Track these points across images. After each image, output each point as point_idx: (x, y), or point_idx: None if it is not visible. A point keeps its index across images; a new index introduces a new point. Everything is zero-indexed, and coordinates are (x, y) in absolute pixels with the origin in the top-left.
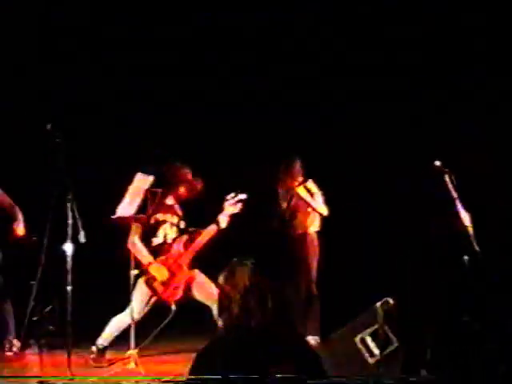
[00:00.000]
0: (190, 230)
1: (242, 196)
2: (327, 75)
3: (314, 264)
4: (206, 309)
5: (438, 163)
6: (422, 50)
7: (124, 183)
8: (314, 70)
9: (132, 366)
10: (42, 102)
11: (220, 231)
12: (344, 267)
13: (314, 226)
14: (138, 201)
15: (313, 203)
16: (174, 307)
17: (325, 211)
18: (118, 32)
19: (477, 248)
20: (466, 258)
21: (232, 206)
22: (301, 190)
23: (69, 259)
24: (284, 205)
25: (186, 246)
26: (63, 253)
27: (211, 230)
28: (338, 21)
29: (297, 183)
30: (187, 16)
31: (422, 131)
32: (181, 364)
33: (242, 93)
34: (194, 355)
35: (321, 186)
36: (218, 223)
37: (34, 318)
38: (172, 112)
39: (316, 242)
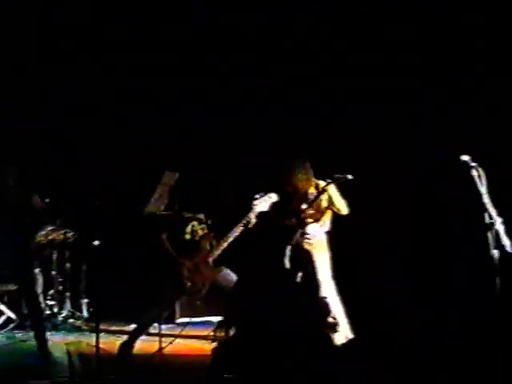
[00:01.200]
0: (218, 228)
1: (271, 195)
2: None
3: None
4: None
5: (465, 158)
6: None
7: (152, 181)
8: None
9: None
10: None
11: (247, 230)
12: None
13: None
14: (165, 197)
15: (338, 202)
16: (199, 303)
17: (346, 210)
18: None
19: (506, 243)
20: (495, 252)
21: (260, 204)
22: (331, 189)
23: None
24: (302, 205)
25: (214, 243)
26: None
27: (238, 228)
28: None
29: (323, 183)
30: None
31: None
32: None
33: (250, 92)
34: None
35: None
36: (245, 222)
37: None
38: (184, 112)
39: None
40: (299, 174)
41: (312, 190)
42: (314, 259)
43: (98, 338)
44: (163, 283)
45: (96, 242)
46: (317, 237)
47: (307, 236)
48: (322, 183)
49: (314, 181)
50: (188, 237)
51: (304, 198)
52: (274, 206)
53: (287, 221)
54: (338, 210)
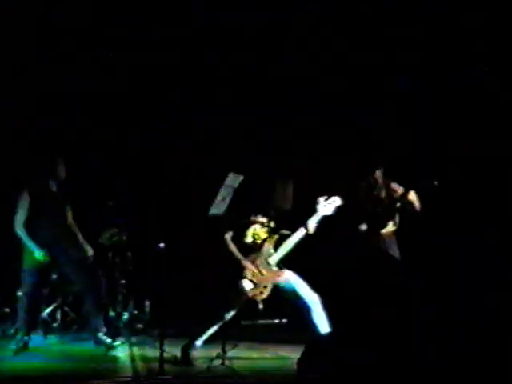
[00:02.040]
0: (281, 231)
1: (335, 199)
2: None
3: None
4: (295, 308)
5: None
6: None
7: (216, 182)
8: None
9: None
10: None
11: (309, 234)
12: None
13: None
14: (229, 200)
15: (417, 206)
16: (261, 306)
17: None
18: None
19: None
20: None
21: (325, 208)
22: (411, 196)
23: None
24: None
25: (276, 246)
26: (157, 251)
27: (300, 233)
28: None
29: (397, 186)
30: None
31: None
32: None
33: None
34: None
35: None
36: (306, 227)
37: (127, 316)
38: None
39: None
40: (371, 182)
41: (384, 194)
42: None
43: (162, 340)
44: (227, 285)
45: (161, 245)
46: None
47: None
48: (395, 186)
49: (386, 184)
50: (250, 240)
51: (376, 202)
52: (338, 210)
53: (360, 225)
54: (414, 213)
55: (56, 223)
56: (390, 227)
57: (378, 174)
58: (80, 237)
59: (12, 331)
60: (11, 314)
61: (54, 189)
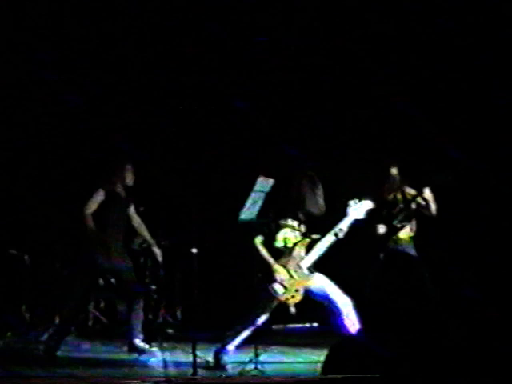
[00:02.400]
0: (312, 235)
1: (366, 202)
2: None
3: None
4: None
5: None
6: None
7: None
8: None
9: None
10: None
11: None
12: None
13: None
14: (259, 204)
15: (433, 205)
16: (293, 310)
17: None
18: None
19: None
20: None
21: (355, 212)
22: (427, 193)
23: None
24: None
25: (307, 250)
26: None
27: (331, 237)
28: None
29: (409, 188)
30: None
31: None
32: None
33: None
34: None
35: None
36: (336, 234)
37: (159, 321)
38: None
39: None
40: (391, 182)
41: (399, 196)
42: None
43: (194, 345)
44: (258, 290)
45: (194, 250)
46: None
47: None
48: (409, 189)
49: (402, 186)
50: (280, 244)
51: (393, 204)
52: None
53: (378, 228)
54: (430, 213)
55: (119, 230)
56: (408, 231)
57: (395, 171)
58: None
59: (45, 336)
60: (43, 319)
61: (123, 194)
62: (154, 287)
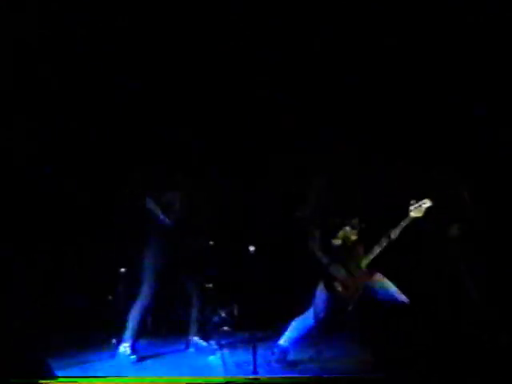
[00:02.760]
0: (372, 233)
1: (426, 201)
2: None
3: None
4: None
5: None
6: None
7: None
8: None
9: None
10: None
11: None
12: None
13: None
14: (318, 201)
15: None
16: (350, 308)
17: None
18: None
19: None
20: None
21: (415, 210)
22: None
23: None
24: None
25: (366, 248)
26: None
27: (391, 235)
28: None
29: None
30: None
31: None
32: None
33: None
34: None
35: None
36: (389, 236)
37: (215, 319)
38: None
39: None
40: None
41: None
42: None
43: (254, 342)
44: (315, 288)
45: (251, 248)
46: None
47: None
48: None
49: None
50: (340, 241)
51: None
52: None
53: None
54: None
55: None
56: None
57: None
58: None
59: (115, 341)
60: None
61: None
62: (210, 285)
